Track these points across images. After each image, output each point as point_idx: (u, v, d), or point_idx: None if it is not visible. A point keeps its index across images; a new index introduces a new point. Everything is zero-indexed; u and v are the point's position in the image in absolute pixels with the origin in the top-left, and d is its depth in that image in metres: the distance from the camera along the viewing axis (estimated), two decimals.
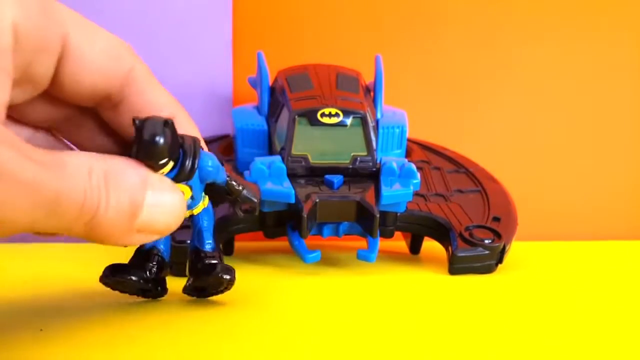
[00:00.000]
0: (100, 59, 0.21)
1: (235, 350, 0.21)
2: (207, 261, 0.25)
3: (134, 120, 0.20)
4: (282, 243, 0.36)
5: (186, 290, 0.26)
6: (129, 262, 0.25)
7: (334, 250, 0.38)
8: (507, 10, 0.48)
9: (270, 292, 0.29)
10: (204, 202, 0.25)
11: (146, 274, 0.24)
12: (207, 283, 0.25)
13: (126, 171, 0.20)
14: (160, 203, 0.21)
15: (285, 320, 0.23)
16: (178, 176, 0.22)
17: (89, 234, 0.19)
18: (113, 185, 0.19)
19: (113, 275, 0.24)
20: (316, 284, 0.31)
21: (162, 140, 0.20)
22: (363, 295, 0.29)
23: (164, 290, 0.26)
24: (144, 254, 0.25)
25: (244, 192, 0.25)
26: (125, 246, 0.21)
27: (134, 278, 0.24)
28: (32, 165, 0.17)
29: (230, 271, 0.25)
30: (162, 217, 0.21)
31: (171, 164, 0.21)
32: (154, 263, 0.25)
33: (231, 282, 0.25)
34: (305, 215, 0.31)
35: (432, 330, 0.24)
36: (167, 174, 0.21)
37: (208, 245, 0.25)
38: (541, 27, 0.48)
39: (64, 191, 0.18)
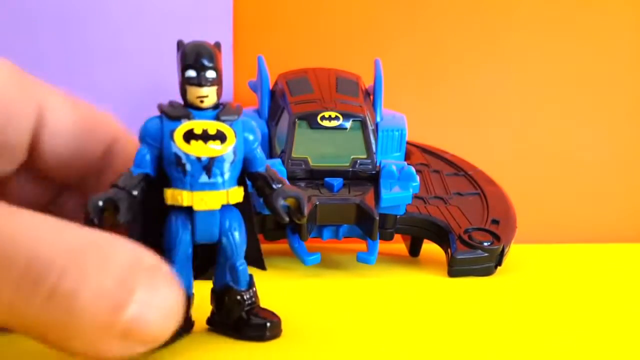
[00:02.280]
0: (76, 128, 0.21)
1: (235, 351, 0.21)
2: (250, 317, 0.22)
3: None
4: (282, 246, 0.36)
5: (212, 324, 0.23)
6: None
7: (334, 253, 0.39)
8: (506, 14, 0.48)
9: (270, 294, 0.29)
10: (239, 191, 0.21)
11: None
12: (244, 335, 0.22)
13: (115, 244, 0.15)
14: (156, 294, 0.15)
15: (285, 322, 0.23)
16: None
17: (52, 324, 0.14)
18: (96, 258, 0.15)
19: None
20: (316, 286, 0.31)
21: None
22: (363, 297, 0.29)
23: (190, 327, 0.22)
24: None
25: (285, 187, 0.22)
26: None
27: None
28: None
29: (276, 327, 0.22)
30: (156, 317, 0.15)
31: None
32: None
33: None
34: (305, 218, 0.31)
35: (431, 333, 0.24)
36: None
37: (243, 280, 0.22)
38: (540, 31, 0.48)
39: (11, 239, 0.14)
